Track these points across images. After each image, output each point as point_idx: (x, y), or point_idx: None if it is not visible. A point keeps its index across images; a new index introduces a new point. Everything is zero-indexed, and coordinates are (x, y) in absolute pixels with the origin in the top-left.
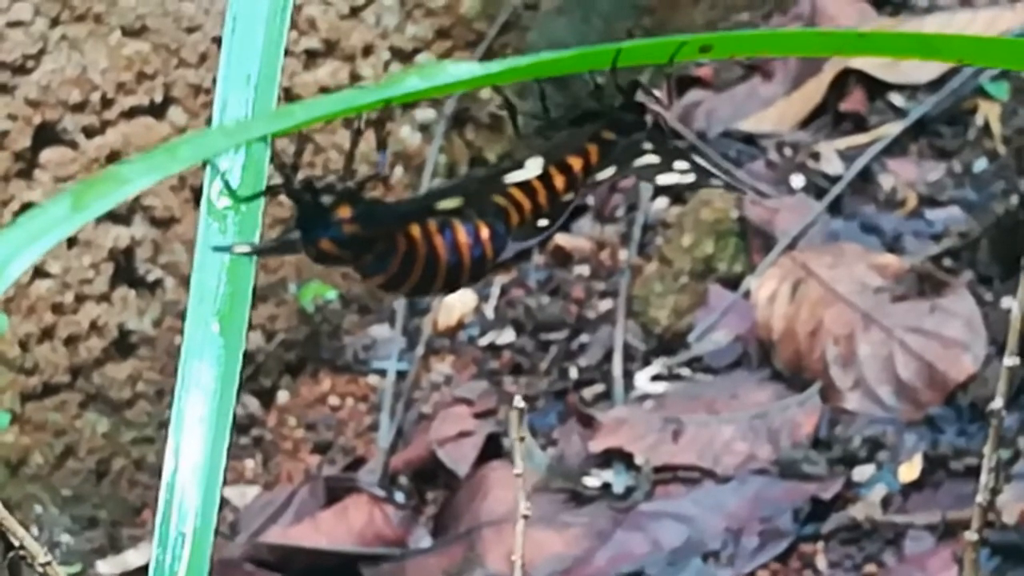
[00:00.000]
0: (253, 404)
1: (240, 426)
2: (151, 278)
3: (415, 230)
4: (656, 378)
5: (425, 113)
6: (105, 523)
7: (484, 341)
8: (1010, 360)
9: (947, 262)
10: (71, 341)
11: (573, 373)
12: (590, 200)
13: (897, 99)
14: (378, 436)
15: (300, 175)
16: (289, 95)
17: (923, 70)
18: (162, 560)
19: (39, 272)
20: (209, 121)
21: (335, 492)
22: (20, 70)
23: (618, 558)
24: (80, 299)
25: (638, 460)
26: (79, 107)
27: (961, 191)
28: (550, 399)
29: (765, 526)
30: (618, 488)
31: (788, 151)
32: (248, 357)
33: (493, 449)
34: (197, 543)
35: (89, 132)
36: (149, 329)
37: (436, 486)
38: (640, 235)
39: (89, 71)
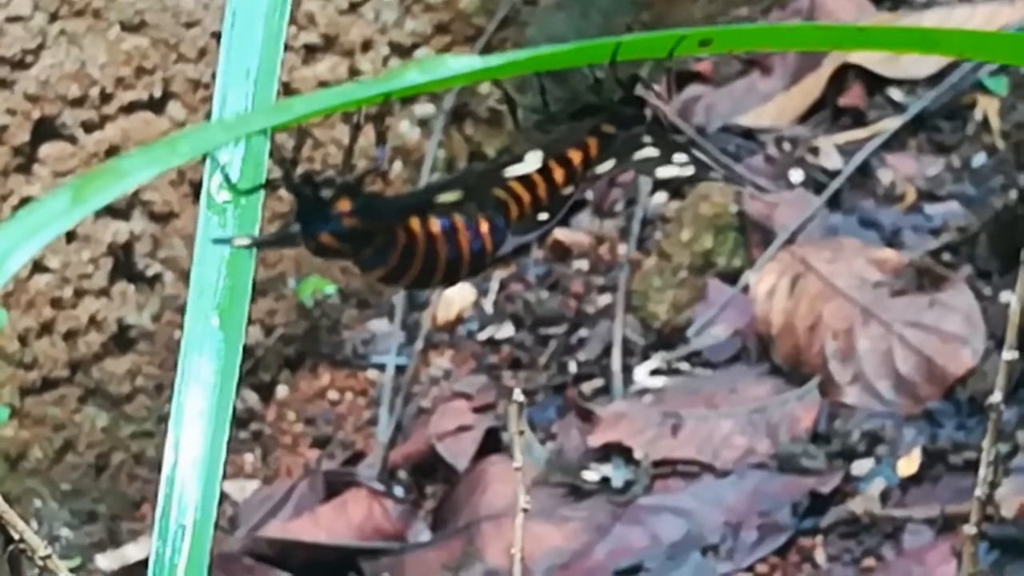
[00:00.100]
0: (252, 398)
1: (239, 420)
2: (150, 273)
3: (415, 223)
4: (655, 372)
5: (424, 108)
6: (104, 517)
7: (483, 336)
8: (1009, 354)
9: (946, 257)
10: (70, 336)
11: (572, 367)
12: (589, 195)
13: (896, 94)
14: (377, 430)
15: (299, 169)
16: (288, 90)
17: (922, 65)
18: (162, 553)
19: (38, 267)
20: (208, 116)
21: (334, 486)
22: (19, 65)
23: (617, 552)
24: (79, 294)
25: (637, 454)
26: (78, 102)
27: (960, 186)
28: (549, 393)
29: (764, 520)
30: (617, 482)
31: (787, 146)
32: (247, 352)
33: (492, 443)
34: (197, 536)
35: (88, 127)
36: (148, 324)
37: (435, 480)
38: (639, 230)
39: (88, 66)
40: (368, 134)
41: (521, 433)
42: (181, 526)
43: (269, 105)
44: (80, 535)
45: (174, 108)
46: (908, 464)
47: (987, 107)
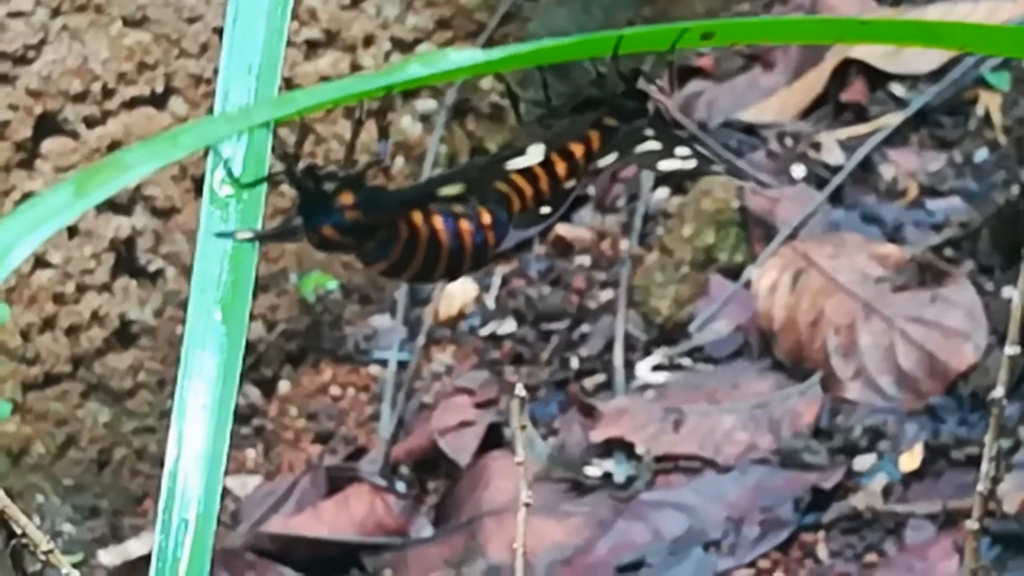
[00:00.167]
0: (254, 394)
1: (241, 416)
2: (152, 268)
3: (417, 216)
4: (657, 368)
5: (426, 103)
6: (106, 512)
7: (485, 331)
8: (1011, 349)
9: (948, 252)
10: (72, 331)
11: (574, 363)
12: (591, 190)
13: (898, 89)
14: (379, 426)
15: (302, 163)
16: (290, 85)
17: (924, 60)
18: (165, 547)
19: (40, 262)
20: (210, 111)
21: (336, 482)
22: (21, 60)
23: (619, 547)
24: (81, 289)
25: (639, 450)
26: (80, 97)
27: (962, 181)
28: (551, 389)
29: (766, 516)
30: (619, 478)
31: (789, 141)
32: (249, 347)
33: (494, 439)
34: (200, 531)
35: (90, 122)
36: (150, 319)
37: (437, 476)
38: (641, 225)
39: (90, 61)
40: (370, 129)
41: (523, 428)
42: (184, 521)
43: (271, 98)
44: (82, 530)
45: (176, 103)
46: (910, 460)
47: (989, 102)
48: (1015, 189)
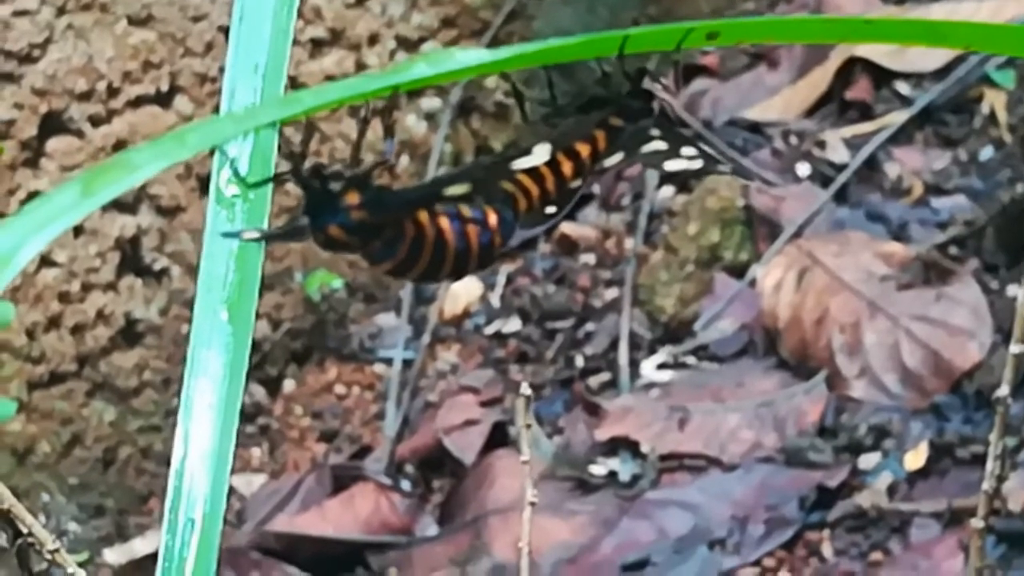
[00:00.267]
0: (259, 393)
1: (246, 415)
2: (157, 267)
3: (423, 216)
4: (662, 366)
5: (431, 102)
6: (112, 511)
7: (490, 330)
8: (1016, 348)
9: (953, 250)
10: (78, 330)
11: (579, 361)
12: (596, 189)
13: (903, 87)
14: (384, 425)
15: (308, 163)
16: (294, 84)
17: (929, 58)
18: (171, 546)
19: (46, 261)
20: (215, 110)
21: (341, 480)
22: (26, 59)
23: (624, 546)
24: (87, 288)
25: (644, 448)
26: (85, 96)
27: (967, 179)
28: (556, 387)
29: (771, 514)
30: (624, 476)
31: (794, 139)
32: (254, 346)
33: (499, 437)
34: (206, 529)
35: (95, 121)
36: (155, 318)
37: (442, 474)
38: (646, 223)
39: (95, 60)
40: (375, 127)
41: (528, 427)
42: (190, 520)
43: (278, 98)
44: (88, 529)
45: (181, 102)
46: (915, 458)
47: (994, 101)
48: (1020, 187)
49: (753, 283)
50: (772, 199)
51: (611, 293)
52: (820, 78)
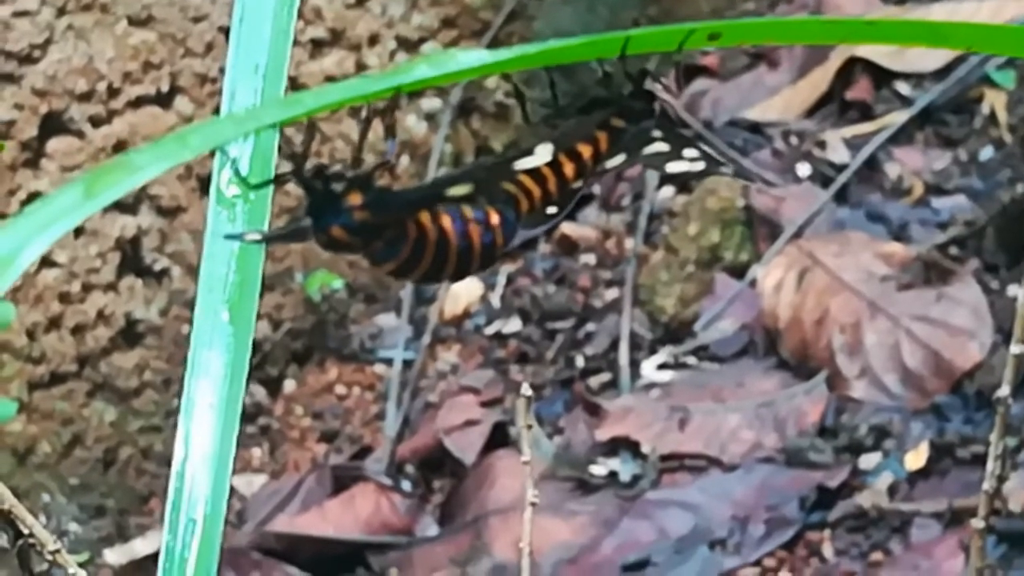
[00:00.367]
0: (260, 393)
1: (247, 415)
2: (158, 267)
3: (425, 217)
4: (662, 367)
5: (431, 102)
6: (112, 512)
7: (490, 330)
8: (1017, 348)
9: (953, 250)
10: (78, 330)
11: (579, 362)
12: (596, 189)
13: (903, 88)
14: (385, 425)
15: (309, 163)
16: (295, 84)
17: (929, 58)
18: (172, 546)
19: (46, 261)
20: (215, 110)
21: (342, 481)
22: (26, 60)
23: (625, 546)
24: (87, 288)
25: (644, 448)
26: (86, 97)
27: (967, 179)
28: (556, 388)
29: (771, 514)
30: (624, 476)
31: (794, 140)
32: (255, 346)
33: (500, 438)
34: (207, 530)
35: (96, 122)
36: (156, 318)
37: (443, 475)
38: (646, 224)
39: (95, 61)
40: (376, 128)
41: (529, 427)
42: (191, 520)
43: (279, 99)
44: (88, 529)
45: (181, 103)
46: (916, 458)
47: (994, 101)
48: (1020, 187)
49: (753, 283)
50: (772, 199)
51: (611, 293)
52: (820, 78)
